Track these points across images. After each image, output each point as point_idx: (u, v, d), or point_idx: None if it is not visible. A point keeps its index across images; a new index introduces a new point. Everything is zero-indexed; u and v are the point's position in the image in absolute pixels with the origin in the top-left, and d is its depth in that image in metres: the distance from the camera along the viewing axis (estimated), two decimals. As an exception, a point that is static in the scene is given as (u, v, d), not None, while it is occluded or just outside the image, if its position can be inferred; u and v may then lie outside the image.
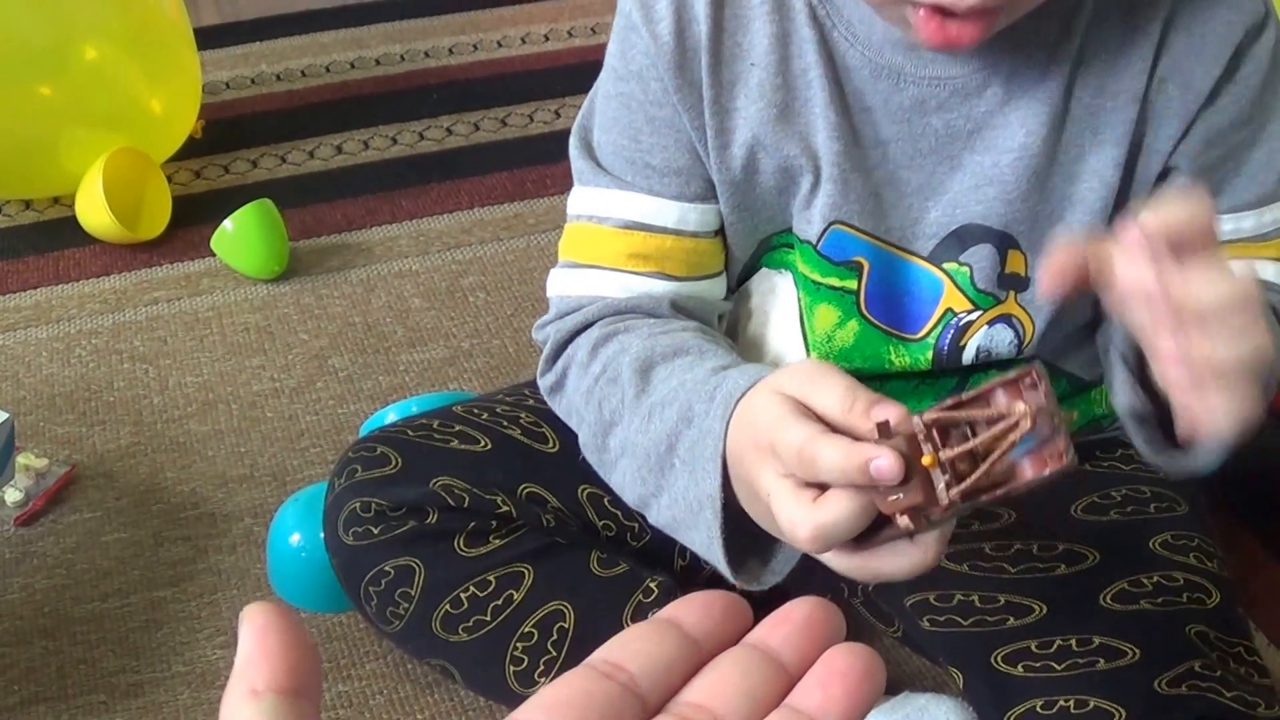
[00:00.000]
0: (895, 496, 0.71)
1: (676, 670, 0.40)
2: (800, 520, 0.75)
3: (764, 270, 1.08)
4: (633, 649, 0.40)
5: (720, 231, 1.05)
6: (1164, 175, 1.00)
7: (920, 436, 0.70)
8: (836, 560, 0.78)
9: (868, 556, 0.77)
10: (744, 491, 0.84)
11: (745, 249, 1.07)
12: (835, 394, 0.76)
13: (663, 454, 0.92)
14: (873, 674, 0.39)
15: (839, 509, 0.73)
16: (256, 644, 0.37)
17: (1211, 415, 0.75)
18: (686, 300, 1.04)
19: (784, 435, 0.76)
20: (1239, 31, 0.96)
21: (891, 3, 0.88)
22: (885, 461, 0.70)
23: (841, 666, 0.39)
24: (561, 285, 1.08)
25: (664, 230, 1.03)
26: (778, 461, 0.77)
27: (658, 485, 0.94)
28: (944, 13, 0.84)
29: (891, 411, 0.72)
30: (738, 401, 0.85)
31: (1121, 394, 0.92)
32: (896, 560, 0.77)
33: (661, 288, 1.04)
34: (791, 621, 0.41)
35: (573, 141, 1.08)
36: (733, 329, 1.13)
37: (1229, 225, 1.01)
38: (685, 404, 0.91)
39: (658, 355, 0.97)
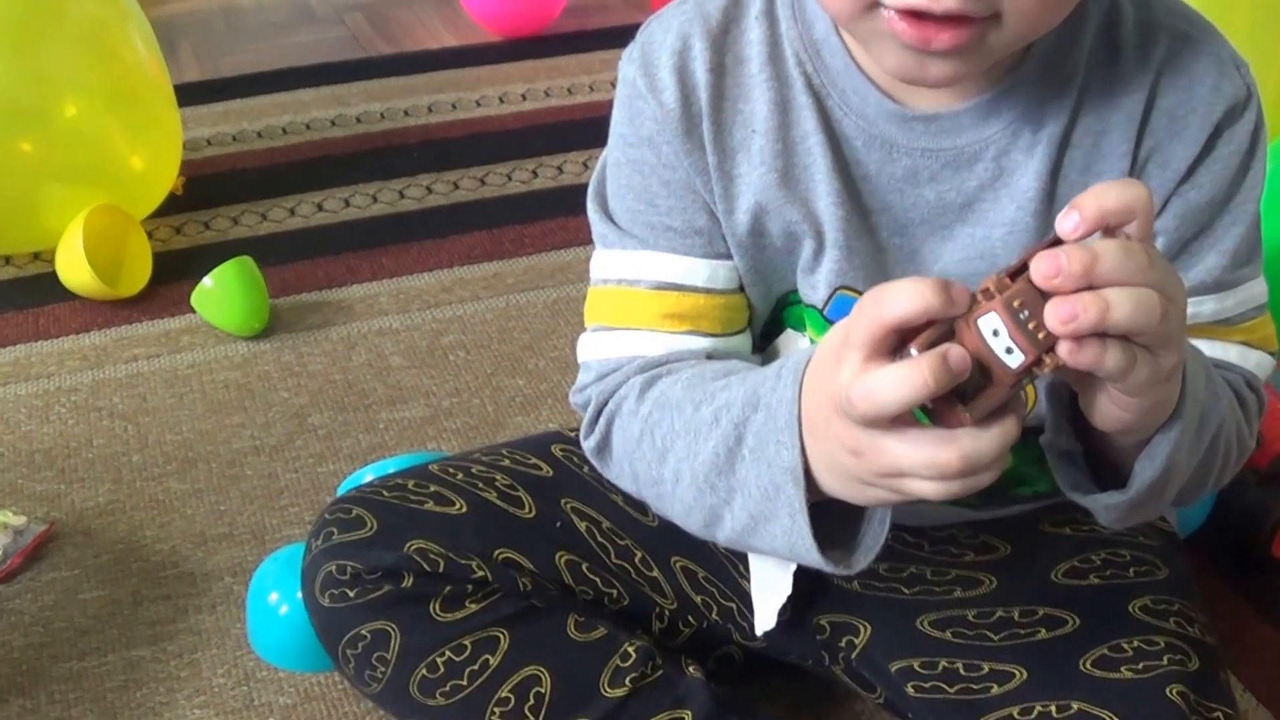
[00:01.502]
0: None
1: None
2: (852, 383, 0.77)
3: (789, 332, 1.09)
4: None
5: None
6: None
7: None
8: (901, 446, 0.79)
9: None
10: (824, 459, 0.85)
11: (764, 306, 1.07)
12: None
13: (732, 447, 0.91)
14: None
15: (895, 372, 0.75)
16: None
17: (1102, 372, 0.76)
18: (723, 356, 1.05)
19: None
20: (1218, 112, 0.97)
21: (862, 13, 0.88)
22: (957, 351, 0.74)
23: None
24: (596, 350, 1.08)
25: (696, 289, 1.03)
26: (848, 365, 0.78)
27: (728, 489, 0.93)
28: (919, 15, 0.84)
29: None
30: (807, 364, 0.86)
31: (1049, 429, 0.93)
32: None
33: (699, 344, 1.04)
34: None
35: (590, 206, 1.08)
36: None
37: (1189, 309, 1.01)
38: (750, 393, 0.91)
39: (709, 375, 0.98)
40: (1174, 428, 0.86)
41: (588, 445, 1.08)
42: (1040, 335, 0.73)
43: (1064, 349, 0.74)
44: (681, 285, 1.03)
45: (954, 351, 0.74)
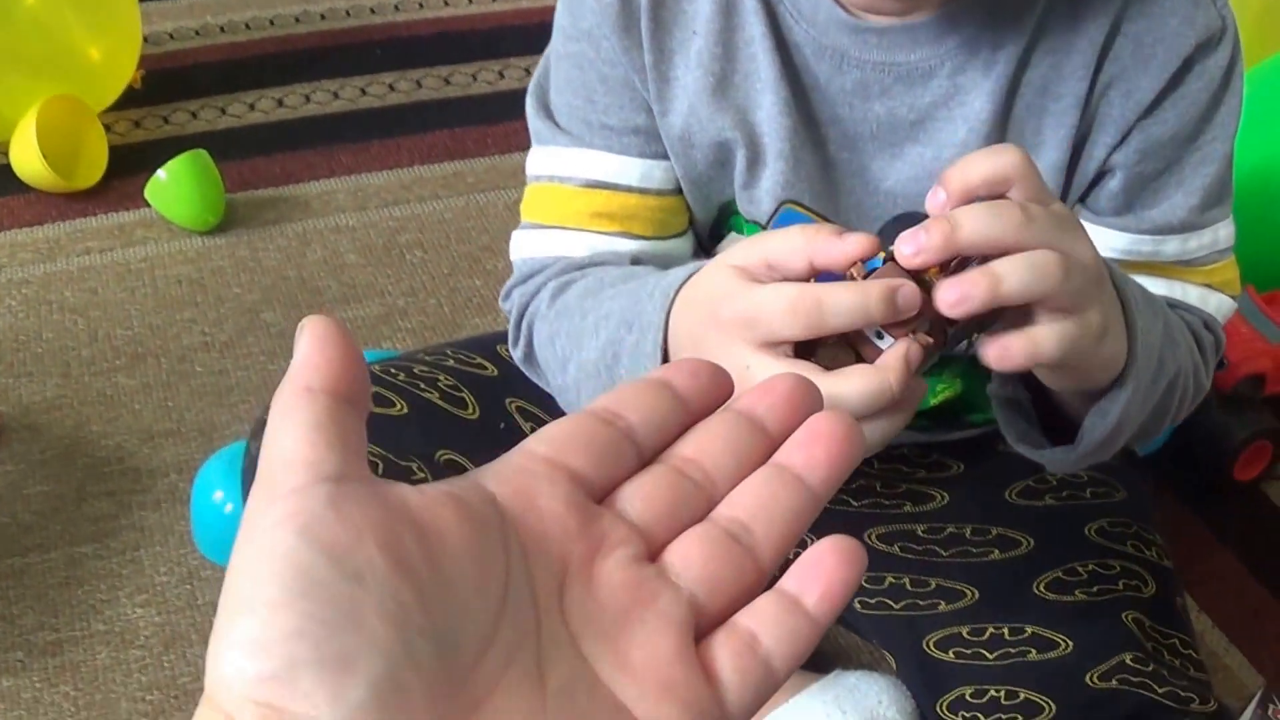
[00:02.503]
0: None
1: (669, 425, 0.44)
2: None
3: (734, 235, 1.05)
4: (630, 402, 0.43)
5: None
6: (1099, 179, 0.98)
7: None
8: None
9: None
10: None
11: (705, 213, 1.04)
12: (793, 238, 0.72)
13: (609, 363, 0.89)
14: (853, 437, 0.43)
15: (860, 382, 0.70)
16: (315, 349, 0.38)
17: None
18: (652, 260, 1.01)
19: (762, 295, 0.73)
20: (1189, 44, 0.92)
21: None
22: (909, 289, 0.68)
23: (823, 430, 0.43)
24: (525, 248, 1.05)
25: (628, 189, 1.00)
26: (752, 330, 0.73)
27: None
28: None
29: (863, 241, 0.70)
30: (678, 290, 0.82)
31: (995, 378, 0.90)
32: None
33: (627, 247, 1.01)
34: (775, 393, 0.44)
35: (529, 101, 1.04)
36: None
37: (1147, 247, 0.98)
38: (627, 308, 0.88)
39: (608, 281, 0.95)
40: (1127, 385, 0.82)
41: (516, 355, 1.05)
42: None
43: (991, 354, 0.71)
44: (613, 184, 1.00)
45: (905, 289, 0.69)
